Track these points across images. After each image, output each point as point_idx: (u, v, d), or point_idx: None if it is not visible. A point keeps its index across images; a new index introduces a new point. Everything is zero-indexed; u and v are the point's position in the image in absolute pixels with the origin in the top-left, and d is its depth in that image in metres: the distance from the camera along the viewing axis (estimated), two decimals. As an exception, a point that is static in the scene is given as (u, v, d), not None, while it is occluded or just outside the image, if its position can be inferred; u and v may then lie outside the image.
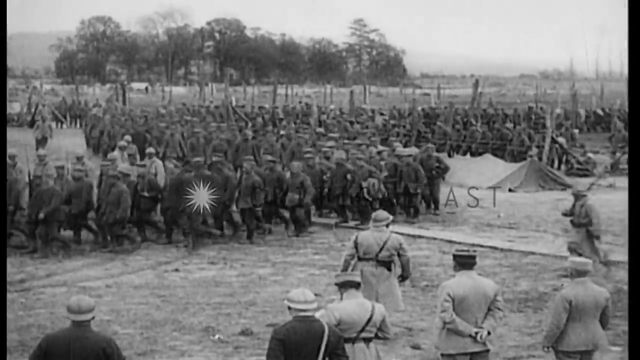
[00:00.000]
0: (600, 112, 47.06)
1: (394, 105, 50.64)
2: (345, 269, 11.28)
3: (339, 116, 38.79)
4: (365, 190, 19.52)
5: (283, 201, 19.19)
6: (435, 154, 22.82)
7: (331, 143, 23.90)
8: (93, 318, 7.42)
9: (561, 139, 31.03)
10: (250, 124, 33.65)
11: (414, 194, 20.36)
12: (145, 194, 18.15)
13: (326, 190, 20.18)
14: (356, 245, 11.47)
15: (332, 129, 31.81)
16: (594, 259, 14.21)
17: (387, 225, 11.53)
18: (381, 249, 11.41)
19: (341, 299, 8.27)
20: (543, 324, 12.40)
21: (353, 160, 20.33)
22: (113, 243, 17.44)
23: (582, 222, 15.10)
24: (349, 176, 19.74)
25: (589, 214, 15.04)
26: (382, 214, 11.72)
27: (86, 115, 44.18)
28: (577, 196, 15.35)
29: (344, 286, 8.27)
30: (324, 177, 20.23)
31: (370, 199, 19.57)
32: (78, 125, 47.64)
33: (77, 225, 18.10)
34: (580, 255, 13.90)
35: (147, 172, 18.73)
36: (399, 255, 11.54)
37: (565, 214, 15.79)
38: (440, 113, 41.47)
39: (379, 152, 22.18)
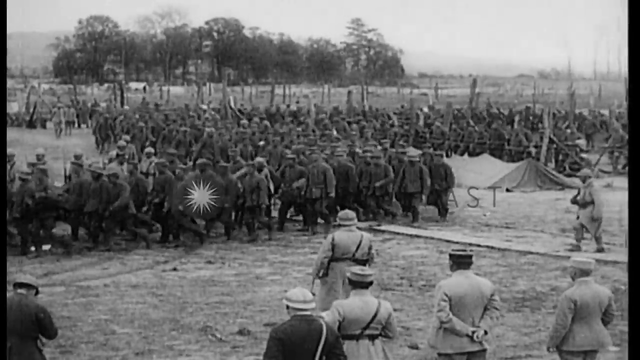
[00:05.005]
0: (605, 112, 46.96)
1: (399, 106, 50.54)
2: (319, 270, 11.33)
3: (337, 116, 38.71)
4: (296, 190, 19.57)
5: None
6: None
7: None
8: (37, 294, 8.88)
9: (581, 141, 31.12)
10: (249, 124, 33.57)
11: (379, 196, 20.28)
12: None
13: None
14: (333, 246, 11.44)
15: (330, 128, 31.72)
16: (598, 233, 16.98)
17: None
18: (357, 248, 11.39)
19: (339, 295, 8.28)
20: (541, 324, 12.43)
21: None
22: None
23: (586, 201, 17.00)
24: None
25: (592, 195, 17.02)
26: (349, 213, 11.64)
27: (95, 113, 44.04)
28: (584, 179, 17.32)
29: (355, 285, 8.26)
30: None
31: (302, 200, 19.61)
32: (77, 125, 47.59)
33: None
34: (586, 230, 17.00)
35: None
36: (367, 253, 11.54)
37: (574, 201, 17.62)
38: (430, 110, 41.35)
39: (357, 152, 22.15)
